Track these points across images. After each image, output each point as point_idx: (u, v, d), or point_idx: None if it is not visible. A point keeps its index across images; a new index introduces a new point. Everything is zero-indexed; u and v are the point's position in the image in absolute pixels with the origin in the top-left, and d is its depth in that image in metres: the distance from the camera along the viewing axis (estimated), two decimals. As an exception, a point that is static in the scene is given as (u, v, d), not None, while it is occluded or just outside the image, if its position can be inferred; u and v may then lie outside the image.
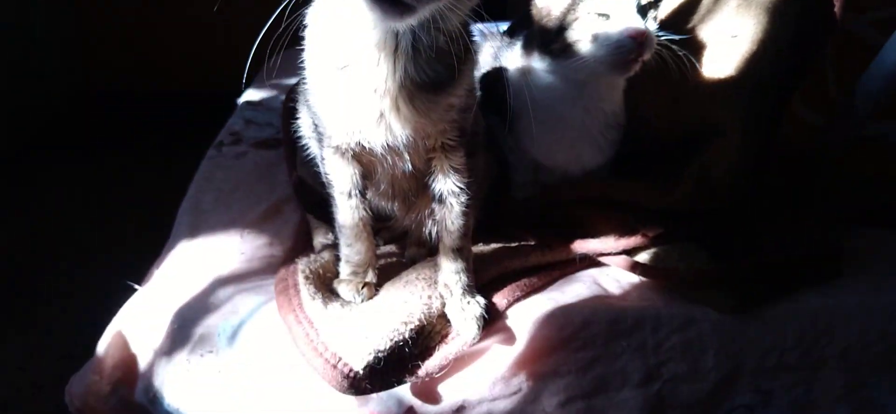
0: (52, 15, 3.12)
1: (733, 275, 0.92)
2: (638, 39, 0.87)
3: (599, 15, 0.90)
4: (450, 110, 0.81)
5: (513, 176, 1.09)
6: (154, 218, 1.18)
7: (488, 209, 1.04)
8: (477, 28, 0.83)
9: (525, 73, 1.00)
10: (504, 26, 1.43)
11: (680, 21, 0.98)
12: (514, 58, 1.04)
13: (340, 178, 0.88)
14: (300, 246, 1.01)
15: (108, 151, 2.99)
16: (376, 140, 0.81)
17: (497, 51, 1.07)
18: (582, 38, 0.91)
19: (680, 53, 0.89)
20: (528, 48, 1.00)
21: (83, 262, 2.19)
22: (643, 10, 0.89)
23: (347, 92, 0.80)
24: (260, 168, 1.25)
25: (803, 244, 1.01)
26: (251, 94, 1.64)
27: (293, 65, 1.94)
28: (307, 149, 1.02)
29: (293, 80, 1.73)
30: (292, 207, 1.12)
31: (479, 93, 1.08)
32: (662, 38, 0.89)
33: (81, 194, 2.68)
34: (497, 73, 1.06)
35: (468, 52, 0.80)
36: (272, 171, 1.24)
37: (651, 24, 0.89)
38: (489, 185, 1.04)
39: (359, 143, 0.83)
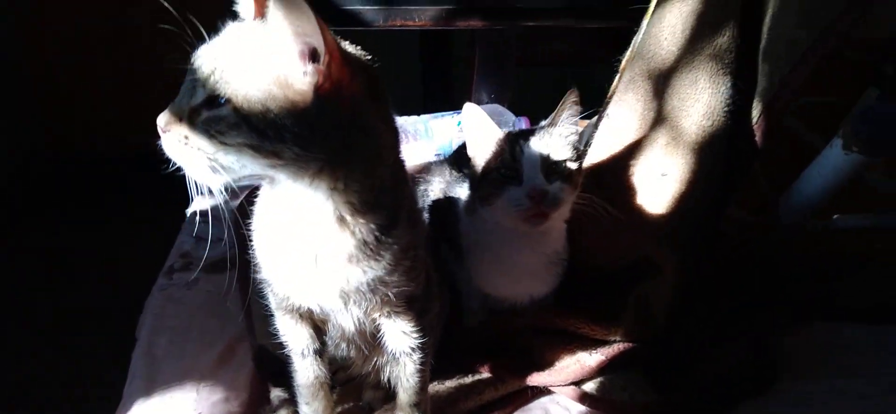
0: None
1: (671, 406, 0.97)
2: (535, 199, 0.92)
3: (506, 174, 0.94)
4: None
5: (464, 302, 1.12)
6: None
7: (441, 337, 1.07)
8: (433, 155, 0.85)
9: (470, 208, 1.04)
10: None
11: (616, 161, 1.03)
12: (463, 192, 1.07)
13: (295, 338, 0.90)
14: (256, 396, 1.02)
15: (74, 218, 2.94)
16: (317, 303, 0.83)
17: (447, 185, 1.10)
18: (492, 193, 0.96)
19: (599, 205, 0.94)
20: (473, 189, 1.03)
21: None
22: (552, 169, 0.94)
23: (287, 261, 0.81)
24: (211, 299, 1.24)
25: (739, 357, 1.07)
26: (200, 203, 1.63)
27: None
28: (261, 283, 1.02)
29: (246, 181, 1.75)
30: (245, 347, 1.12)
31: (427, 220, 1.12)
32: (561, 194, 0.94)
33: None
34: (448, 203, 1.09)
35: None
36: (222, 302, 1.24)
37: (558, 185, 0.94)
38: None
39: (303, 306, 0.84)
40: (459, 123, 1.83)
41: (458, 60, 2.76)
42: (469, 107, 0.96)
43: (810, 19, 1.02)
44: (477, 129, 0.96)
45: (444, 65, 2.95)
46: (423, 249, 0.86)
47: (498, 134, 0.96)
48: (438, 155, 1.80)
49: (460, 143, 1.27)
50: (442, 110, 1.92)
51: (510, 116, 1.89)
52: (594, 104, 1.83)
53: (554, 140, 0.94)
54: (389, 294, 0.82)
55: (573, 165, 0.95)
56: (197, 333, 1.15)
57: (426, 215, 1.17)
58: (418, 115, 1.90)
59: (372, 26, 1.74)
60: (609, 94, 1.42)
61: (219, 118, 0.67)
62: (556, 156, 0.94)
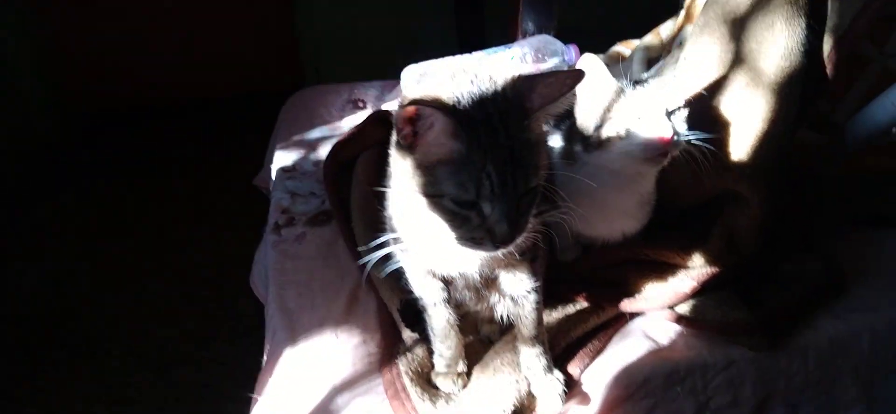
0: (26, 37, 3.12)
1: (761, 319, 1.09)
2: (664, 144, 1.01)
3: (632, 116, 1.04)
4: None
5: (558, 241, 1.24)
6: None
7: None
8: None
9: (566, 156, 1.13)
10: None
11: (697, 102, 1.11)
12: (556, 140, 1.16)
13: (429, 293, 1.02)
14: (388, 337, 1.15)
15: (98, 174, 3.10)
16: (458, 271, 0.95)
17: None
18: (616, 135, 1.04)
19: (703, 147, 1.03)
20: (568, 137, 1.12)
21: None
22: (671, 114, 1.03)
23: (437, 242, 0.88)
24: (321, 251, 1.37)
25: (814, 268, 1.20)
26: (281, 158, 1.74)
27: (312, 111, 2.04)
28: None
29: (317, 134, 1.85)
30: (364, 291, 1.25)
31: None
32: (690, 139, 1.03)
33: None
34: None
35: None
36: (333, 251, 1.37)
37: (679, 126, 1.03)
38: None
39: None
40: (513, 59, 1.89)
41: (492, 8, 2.77)
42: (589, 57, 1.03)
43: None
44: (596, 79, 1.04)
45: (478, 17, 2.95)
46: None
47: (615, 85, 1.04)
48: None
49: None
50: (476, 48, 1.97)
51: (559, 46, 1.93)
52: (646, 27, 1.88)
53: (665, 92, 1.03)
54: (514, 253, 0.93)
55: (685, 112, 1.04)
56: (319, 284, 1.28)
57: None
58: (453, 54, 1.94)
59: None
60: (674, 33, 1.50)
61: None
62: (670, 106, 1.03)
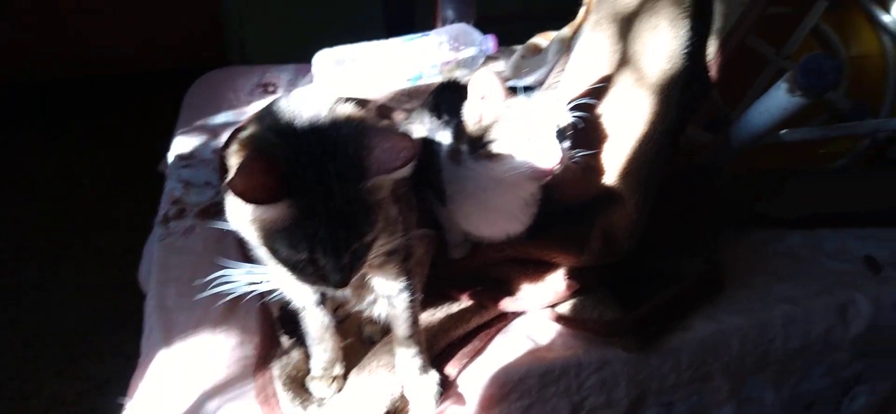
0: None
1: (634, 320, 1.11)
2: (551, 171, 1.02)
3: (523, 135, 1.03)
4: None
5: (448, 238, 1.24)
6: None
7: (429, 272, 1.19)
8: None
9: (454, 156, 1.13)
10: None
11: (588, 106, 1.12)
12: (445, 137, 1.15)
13: (298, 296, 1.00)
14: (267, 339, 1.13)
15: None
16: None
17: (428, 132, 1.18)
18: (504, 151, 1.03)
19: (584, 156, 1.05)
20: (456, 136, 1.11)
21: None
22: (561, 131, 1.03)
23: None
24: (209, 246, 1.33)
25: (692, 269, 1.22)
26: (180, 144, 1.68)
27: (219, 95, 1.98)
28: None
29: (221, 119, 1.80)
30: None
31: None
32: (576, 156, 1.05)
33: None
34: (428, 151, 1.17)
35: None
36: (221, 246, 1.32)
37: (566, 143, 1.04)
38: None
39: None
40: (430, 47, 1.87)
41: None
42: (486, 72, 1.01)
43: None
44: (491, 94, 1.03)
45: None
46: (396, 204, 0.93)
47: (507, 102, 1.03)
48: (410, 81, 1.86)
49: (440, 84, 1.33)
50: (404, 30, 1.94)
51: (477, 35, 1.93)
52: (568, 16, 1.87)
53: (557, 105, 1.03)
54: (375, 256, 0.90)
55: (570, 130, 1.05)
56: (202, 280, 1.25)
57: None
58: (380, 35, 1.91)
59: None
60: (576, 27, 1.50)
61: None
62: (562, 123, 1.03)
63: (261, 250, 0.84)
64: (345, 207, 0.77)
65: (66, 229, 2.57)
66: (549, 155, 1.01)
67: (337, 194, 0.77)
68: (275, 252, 0.81)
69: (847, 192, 1.53)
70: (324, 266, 0.80)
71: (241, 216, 0.82)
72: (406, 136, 0.80)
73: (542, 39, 1.90)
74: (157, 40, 3.59)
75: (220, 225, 0.88)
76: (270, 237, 0.79)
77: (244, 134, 0.86)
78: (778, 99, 1.20)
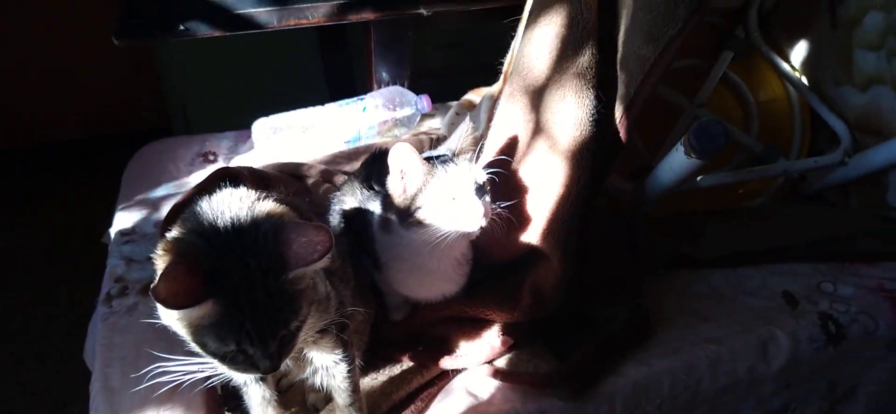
0: None
1: (568, 370, 1.17)
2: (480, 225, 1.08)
3: (446, 198, 1.08)
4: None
5: (387, 301, 1.28)
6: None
7: (370, 337, 1.23)
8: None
9: (385, 226, 1.17)
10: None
11: (508, 167, 1.18)
12: (376, 207, 1.20)
13: (236, 375, 1.01)
14: (212, 414, 1.15)
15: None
16: None
17: (360, 203, 1.23)
18: (430, 218, 1.09)
19: (505, 213, 1.11)
20: (385, 207, 1.16)
21: None
22: (480, 187, 1.09)
23: None
24: (153, 324, 1.33)
25: (620, 316, 1.29)
26: (121, 220, 1.69)
27: (159, 166, 1.99)
28: None
29: (161, 192, 1.81)
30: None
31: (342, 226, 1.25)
32: (498, 208, 1.11)
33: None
34: (362, 221, 1.22)
35: None
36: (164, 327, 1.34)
37: (487, 198, 1.10)
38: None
39: None
40: (365, 109, 1.93)
41: (357, 48, 2.82)
42: (402, 147, 1.06)
43: (653, 39, 1.20)
44: (409, 167, 1.08)
45: (343, 56, 3.00)
46: (326, 282, 0.98)
47: (426, 170, 1.08)
48: (348, 143, 1.91)
49: (368, 156, 1.38)
50: (345, 91, 2.00)
51: (411, 96, 1.99)
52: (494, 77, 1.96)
53: (475, 167, 1.10)
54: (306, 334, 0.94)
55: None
56: (146, 359, 1.25)
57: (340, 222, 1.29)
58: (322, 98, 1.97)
59: (267, 28, 1.80)
60: (495, 96, 1.58)
61: None
62: (480, 179, 1.09)
63: (192, 345, 0.86)
64: (268, 300, 0.81)
65: (7, 304, 2.52)
66: (473, 213, 1.07)
67: (259, 288, 0.81)
68: (204, 346, 0.84)
69: (765, 229, 1.63)
70: (253, 355, 0.84)
71: (168, 315, 0.84)
72: (322, 228, 0.84)
73: (475, 95, 1.98)
74: (100, 106, 3.57)
75: (152, 320, 0.88)
76: (199, 333, 0.83)
77: (170, 235, 0.88)
78: (678, 159, 1.30)
